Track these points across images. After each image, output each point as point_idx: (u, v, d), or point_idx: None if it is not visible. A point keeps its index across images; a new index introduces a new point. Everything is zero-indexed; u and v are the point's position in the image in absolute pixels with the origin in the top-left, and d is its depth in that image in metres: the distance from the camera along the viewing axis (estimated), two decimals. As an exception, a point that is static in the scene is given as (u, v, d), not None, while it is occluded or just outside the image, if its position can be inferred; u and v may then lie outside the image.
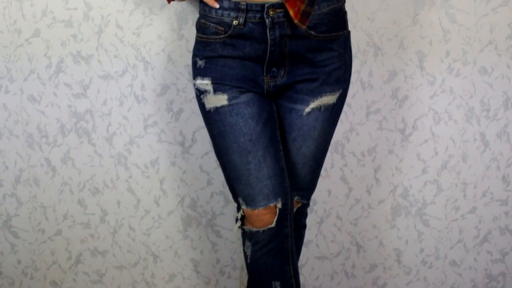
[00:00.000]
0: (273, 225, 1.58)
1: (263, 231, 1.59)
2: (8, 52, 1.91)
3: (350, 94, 1.98)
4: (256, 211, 1.58)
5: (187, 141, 2.02)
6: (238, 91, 1.56)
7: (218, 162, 2.01)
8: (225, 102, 1.55)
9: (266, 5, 1.47)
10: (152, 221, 2.13)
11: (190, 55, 1.91)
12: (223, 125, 1.56)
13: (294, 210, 1.76)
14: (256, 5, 1.48)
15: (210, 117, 1.58)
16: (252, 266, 1.66)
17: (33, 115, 1.99)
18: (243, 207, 1.60)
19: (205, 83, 1.57)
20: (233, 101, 1.55)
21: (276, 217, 1.57)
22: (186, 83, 1.95)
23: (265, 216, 1.58)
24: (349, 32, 1.62)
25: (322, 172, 2.06)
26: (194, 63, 1.60)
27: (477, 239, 2.19)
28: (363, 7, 1.89)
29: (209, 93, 1.57)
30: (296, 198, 1.74)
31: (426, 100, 2.00)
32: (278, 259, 1.62)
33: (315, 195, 2.09)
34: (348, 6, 1.86)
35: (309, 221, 2.11)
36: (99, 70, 1.94)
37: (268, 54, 1.52)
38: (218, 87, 1.56)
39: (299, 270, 2.17)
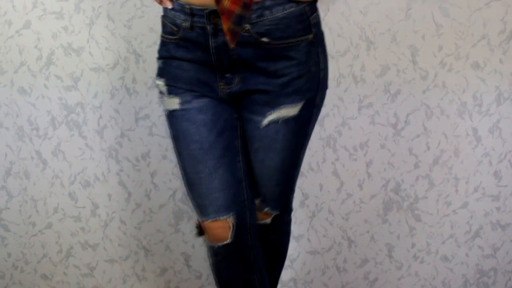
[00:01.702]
0: (228, 240, 1.48)
1: (218, 246, 1.50)
2: (-2, 43, 1.90)
3: (342, 88, 1.98)
4: (207, 223, 1.49)
5: (179, 134, 2.02)
6: (191, 95, 1.45)
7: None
8: (176, 106, 1.46)
9: (206, 11, 1.35)
10: (143, 214, 2.12)
11: (182, 48, 1.90)
12: (176, 130, 1.47)
13: (269, 220, 1.66)
14: (198, 9, 1.36)
15: (167, 120, 1.50)
16: (216, 276, 1.58)
17: (24, 108, 1.98)
18: (198, 216, 1.52)
19: (161, 84, 1.48)
20: (185, 106, 1.45)
21: (231, 232, 1.47)
22: (177, 76, 1.94)
23: (218, 230, 1.48)
24: (317, 35, 1.46)
25: (314, 166, 2.06)
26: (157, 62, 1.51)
27: (468, 234, 2.19)
28: (356, 0, 1.88)
29: (164, 95, 1.48)
30: (266, 209, 1.63)
31: (418, 94, 2.00)
32: (241, 271, 1.54)
33: (307, 190, 2.08)
34: (340, 0, 1.86)
35: (301, 215, 2.11)
36: (90, 63, 1.93)
37: (214, 62, 1.41)
38: (171, 90, 1.46)
39: (291, 264, 2.17)
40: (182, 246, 2.16)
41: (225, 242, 1.48)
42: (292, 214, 2.08)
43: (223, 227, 1.47)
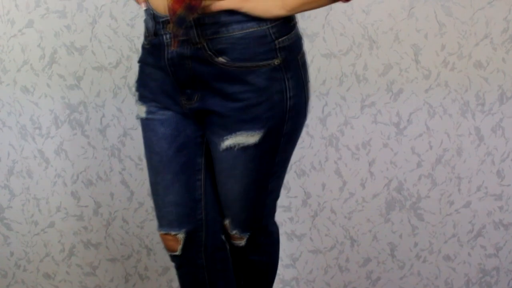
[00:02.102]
0: (178, 252, 1.47)
1: (171, 255, 1.51)
2: (1, 42, 1.90)
3: (344, 88, 1.98)
4: (160, 234, 1.48)
5: (181, 133, 2.02)
6: (156, 106, 1.39)
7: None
8: (143, 115, 1.41)
9: (161, 20, 1.27)
10: (146, 213, 2.12)
11: (185, 47, 1.90)
12: (143, 137, 1.44)
13: (243, 242, 1.55)
14: (158, 16, 1.28)
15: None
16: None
17: (26, 107, 1.98)
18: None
19: (134, 88, 1.43)
20: (150, 116, 1.40)
21: (180, 246, 1.45)
22: (180, 75, 1.94)
23: (169, 242, 1.47)
24: (286, 61, 1.30)
25: (317, 165, 2.06)
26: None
27: (471, 234, 2.18)
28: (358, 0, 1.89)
29: (136, 100, 1.43)
30: (234, 232, 1.52)
31: (421, 93, 2.00)
32: (192, 285, 1.53)
33: (309, 189, 2.08)
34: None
35: (303, 214, 2.11)
36: (93, 61, 1.93)
37: (171, 74, 1.32)
38: (140, 97, 1.41)
39: (293, 263, 2.17)
40: (185, 245, 2.16)
41: (175, 253, 1.48)
42: (294, 213, 2.08)
43: (174, 240, 1.46)
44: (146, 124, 1.41)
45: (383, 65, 1.96)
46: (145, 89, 1.40)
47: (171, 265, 2.16)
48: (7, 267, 2.18)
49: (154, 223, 2.11)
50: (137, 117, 1.43)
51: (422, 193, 2.12)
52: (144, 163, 2.03)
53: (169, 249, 1.49)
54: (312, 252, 2.19)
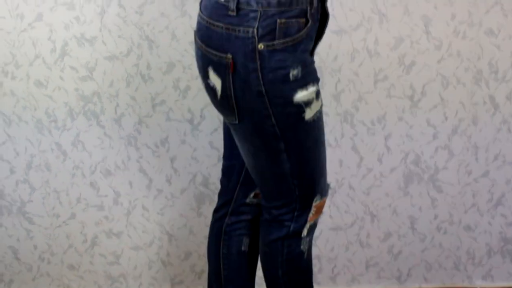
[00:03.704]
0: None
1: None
2: (12, 37, 1.91)
3: (357, 63, 1.97)
4: (326, 198, 1.58)
5: (196, 118, 2.02)
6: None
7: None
8: (320, 103, 1.42)
9: None
10: (165, 200, 2.13)
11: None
12: (321, 127, 1.45)
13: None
14: None
15: (311, 125, 1.41)
16: (308, 261, 1.62)
17: (41, 100, 1.99)
18: (323, 197, 1.54)
19: (311, 91, 1.37)
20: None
21: None
22: (191, 60, 1.94)
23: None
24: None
25: (332, 142, 2.06)
26: (285, 76, 1.33)
27: (490, 203, 2.18)
28: (366, -27, 1.88)
29: (312, 100, 1.38)
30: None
31: (433, 64, 1.99)
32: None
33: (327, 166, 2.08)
34: (350, -27, 1.85)
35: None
36: (104, 51, 1.94)
37: None
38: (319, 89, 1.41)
39: (314, 242, 2.17)
40: (205, 229, 2.17)
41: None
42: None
43: None
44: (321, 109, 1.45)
45: (394, 38, 1.95)
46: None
47: (194, 250, 2.19)
48: (32, 261, 2.21)
49: (174, 209, 2.13)
50: (315, 116, 1.41)
51: (440, 165, 2.11)
52: (160, 151, 2.05)
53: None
54: (332, 229, 2.19)
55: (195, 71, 1.95)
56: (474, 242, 2.23)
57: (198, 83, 1.97)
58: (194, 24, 1.86)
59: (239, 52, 1.30)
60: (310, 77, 1.36)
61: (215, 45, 1.33)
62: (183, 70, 1.96)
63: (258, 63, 1.29)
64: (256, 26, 1.27)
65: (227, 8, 1.28)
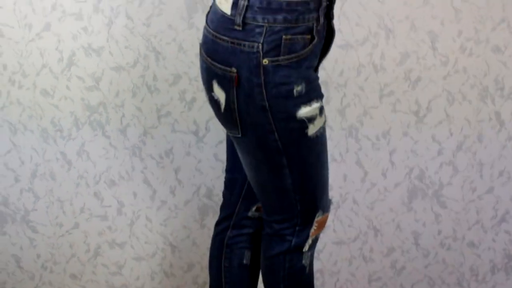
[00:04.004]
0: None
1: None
2: (19, 47, 1.92)
3: (362, 78, 1.98)
4: (327, 214, 1.56)
5: (201, 130, 2.03)
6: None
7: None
8: (324, 119, 1.42)
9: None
10: (169, 211, 2.13)
11: (201, 44, 1.91)
12: (324, 142, 1.45)
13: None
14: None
15: (314, 141, 1.41)
16: (310, 276, 1.62)
17: (47, 109, 2.00)
18: (325, 213, 1.54)
19: (315, 107, 1.37)
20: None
21: None
22: (198, 72, 1.95)
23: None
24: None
25: (337, 157, 2.06)
26: (289, 92, 1.33)
27: (495, 219, 2.18)
28: (373, -11, 1.88)
29: (316, 116, 1.38)
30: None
31: (439, 80, 1.99)
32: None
33: (331, 180, 2.08)
34: (358, -11, 1.86)
35: (326, 206, 2.11)
36: (111, 62, 1.94)
37: None
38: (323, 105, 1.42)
39: (317, 255, 2.17)
40: (208, 241, 2.17)
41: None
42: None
43: None
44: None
45: (400, 53, 1.96)
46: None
47: (196, 261, 2.18)
48: (34, 269, 2.21)
49: (178, 220, 2.13)
50: (318, 132, 1.41)
51: (444, 181, 2.11)
52: (165, 162, 2.05)
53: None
54: (335, 243, 2.19)
55: (201, 83, 1.95)
56: (477, 259, 2.22)
57: (204, 95, 1.97)
58: (201, 37, 1.87)
59: (243, 66, 1.30)
60: (314, 93, 1.36)
61: (220, 59, 1.33)
62: (189, 82, 1.96)
63: (262, 78, 1.30)
64: (262, 41, 1.27)
65: (233, 22, 1.29)
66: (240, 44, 1.29)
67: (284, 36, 1.28)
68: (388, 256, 2.21)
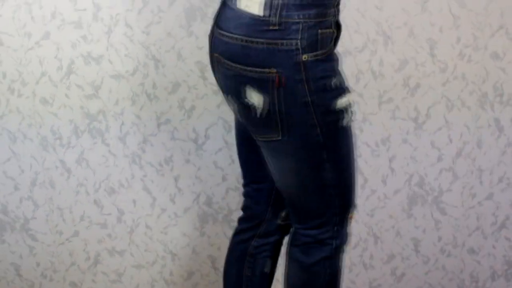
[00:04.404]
0: None
1: None
2: (18, 55, 1.92)
3: (361, 84, 1.98)
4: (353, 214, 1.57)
5: (200, 138, 2.03)
6: None
7: (235, 158, 2.02)
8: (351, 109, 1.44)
9: None
10: (169, 219, 2.13)
11: (200, 52, 1.91)
12: (352, 132, 1.47)
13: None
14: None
15: (346, 132, 1.43)
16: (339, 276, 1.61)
17: (46, 118, 2.00)
18: (354, 211, 1.55)
19: (347, 97, 1.40)
20: None
21: None
22: (197, 80, 1.95)
23: None
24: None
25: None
26: (328, 85, 1.35)
27: (495, 226, 2.18)
28: (372, -4, 1.89)
29: (348, 107, 1.40)
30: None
31: (438, 87, 1.99)
32: None
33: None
34: (356, -4, 1.86)
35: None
36: (110, 70, 1.95)
37: None
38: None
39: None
40: (208, 249, 2.17)
41: None
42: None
43: None
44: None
45: (398, 60, 1.96)
46: None
47: (196, 269, 2.18)
48: (34, 278, 2.20)
49: (177, 228, 2.13)
50: (349, 122, 1.43)
51: (444, 187, 2.11)
52: (165, 169, 2.05)
53: None
54: (335, 250, 2.19)
55: (200, 91, 1.96)
56: (477, 265, 2.22)
57: (204, 103, 1.97)
58: (200, 44, 1.88)
59: (284, 65, 1.30)
60: (344, 84, 1.39)
61: (254, 62, 1.31)
62: (189, 90, 1.97)
63: (304, 74, 1.30)
64: (299, 37, 1.28)
65: (268, 23, 1.28)
66: (278, 44, 1.28)
67: (320, 31, 1.29)
68: (388, 263, 2.21)
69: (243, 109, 1.40)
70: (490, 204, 2.14)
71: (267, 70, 1.30)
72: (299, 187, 1.48)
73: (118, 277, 2.20)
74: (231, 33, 1.33)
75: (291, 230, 1.58)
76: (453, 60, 1.96)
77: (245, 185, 1.68)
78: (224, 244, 2.15)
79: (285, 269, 1.61)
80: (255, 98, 1.35)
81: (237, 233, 1.72)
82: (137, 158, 2.05)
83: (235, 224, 2.08)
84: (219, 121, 2.00)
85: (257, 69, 1.31)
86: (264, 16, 1.27)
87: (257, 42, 1.29)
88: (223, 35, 1.36)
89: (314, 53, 1.30)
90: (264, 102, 1.34)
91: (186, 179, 2.08)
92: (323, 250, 1.53)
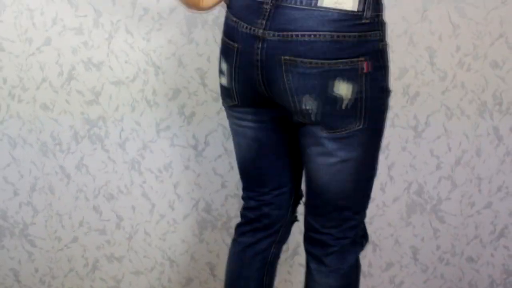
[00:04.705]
0: None
1: None
2: (20, 61, 1.93)
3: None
4: None
5: (200, 144, 2.03)
6: None
7: (234, 165, 2.03)
8: None
9: None
10: (168, 225, 2.13)
11: (200, 59, 1.92)
12: None
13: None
14: None
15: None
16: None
17: (47, 123, 2.00)
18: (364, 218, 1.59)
19: None
20: None
21: None
22: (197, 87, 1.96)
23: None
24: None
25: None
26: (388, 70, 1.46)
27: (493, 235, 2.18)
28: (372, 4, 1.89)
29: None
30: None
31: (438, 95, 2.00)
32: None
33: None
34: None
35: (324, 221, 2.11)
36: (111, 76, 1.95)
37: None
38: None
39: (316, 270, 2.17)
40: (207, 256, 2.17)
41: None
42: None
43: None
44: None
45: (398, 68, 1.96)
46: None
47: (195, 276, 2.18)
48: (32, 283, 2.20)
49: (176, 235, 2.13)
50: None
51: (443, 195, 2.11)
52: (164, 176, 2.05)
53: None
54: (334, 258, 2.19)
55: (200, 97, 1.97)
56: (476, 274, 2.22)
57: (203, 109, 1.98)
58: (201, 51, 1.89)
59: (369, 53, 1.35)
60: None
61: (346, 54, 1.34)
62: (189, 96, 1.97)
63: (381, 61, 1.37)
64: (380, 28, 1.35)
65: (361, 17, 1.32)
66: (366, 35, 1.33)
67: (384, 22, 1.37)
68: (387, 271, 2.21)
69: (327, 104, 1.39)
70: (489, 212, 2.14)
71: (356, 59, 1.34)
72: (352, 181, 1.49)
73: (116, 284, 2.20)
74: (316, 31, 1.33)
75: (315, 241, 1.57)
76: (453, 69, 1.97)
77: (264, 193, 1.64)
78: (222, 251, 2.15)
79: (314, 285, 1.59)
80: (343, 89, 1.37)
81: (250, 245, 1.66)
82: (136, 164, 2.05)
83: (233, 231, 2.08)
84: (219, 127, 2.01)
85: (347, 60, 1.35)
86: (358, 11, 1.31)
87: (349, 36, 1.33)
88: (298, 35, 1.34)
89: (385, 42, 1.38)
90: (352, 91, 1.37)
91: (185, 185, 2.08)
92: (355, 251, 1.56)
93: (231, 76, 1.44)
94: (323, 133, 1.42)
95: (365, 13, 1.32)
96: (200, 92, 1.96)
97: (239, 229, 1.68)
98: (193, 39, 1.91)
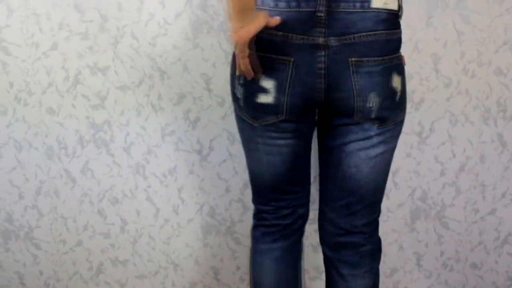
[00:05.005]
0: None
1: None
2: (26, 65, 1.94)
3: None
4: None
5: (205, 149, 2.04)
6: None
7: (238, 170, 2.03)
8: None
9: None
10: (172, 229, 2.14)
11: (205, 64, 1.93)
12: None
13: None
14: None
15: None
16: None
17: (52, 127, 2.01)
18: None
19: None
20: None
21: None
22: (202, 92, 1.96)
23: None
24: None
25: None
26: None
27: (497, 241, 2.17)
28: (376, 11, 1.89)
29: None
30: None
31: (442, 102, 2.00)
32: None
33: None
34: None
35: (328, 226, 2.11)
36: (116, 81, 1.96)
37: None
38: None
39: (319, 276, 2.17)
40: (211, 260, 2.17)
41: None
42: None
43: None
44: None
45: (403, 75, 1.97)
46: None
47: (199, 280, 2.18)
48: (37, 286, 2.21)
49: (180, 239, 2.13)
50: None
51: (447, 202, 2.11)
52: (168, 180, 2.06)
53: None
54: (338, 263, 2.19)
55: (205, 102, 1.97)
56: (480, 280, 2.22)
57: (208, 114, 1.99)
58: (206, 57, 1.90)
59: (399, 47, 1.47)
60: None
61: (395, 50, 1.45)
62: (194, 101, 1.98)
63: (400, 51, 1.48)
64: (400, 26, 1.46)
65: (399, 16, 1.43)
66: (398, 32, 1.44)
67: None
68: (391, 276, 2.21)
69: (387, 99, 1.44)
70: (493, 219, 2.14)
71: (400, 54, 1.46)
72: (385, 172, 1.54)
73: (120, 287, 2.21)
74: (373, 31, 1.38)
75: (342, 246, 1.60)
76: (457, 75, 1.97)
77: (297, 198, 1.64)
78: (226, 256, 2.16)
79: None
80: (397, 82, 1.45)
81: (287, 249, 1.66)
82: (141, 168, 2.06)
83: (237, 235, 2.09)
84: (224, 132, 2.01)
85: (398, 55, 1.45)
86: (398, 10, 1.41)
87: (395, 33, 1.42)
88: (360, 37, 1.38)
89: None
90: (401, 83, 1.47)
91: (190, 190, 2.09)
92: (379, 250, 1.64)
93: (281, 91, 1.41)
94: (374, 127, 1.46)
95: (400, 12, 1.42)
96: (205, 97, 1.97)
97: (269, 237, 1.66)
98: (199, 45, 1.92)
